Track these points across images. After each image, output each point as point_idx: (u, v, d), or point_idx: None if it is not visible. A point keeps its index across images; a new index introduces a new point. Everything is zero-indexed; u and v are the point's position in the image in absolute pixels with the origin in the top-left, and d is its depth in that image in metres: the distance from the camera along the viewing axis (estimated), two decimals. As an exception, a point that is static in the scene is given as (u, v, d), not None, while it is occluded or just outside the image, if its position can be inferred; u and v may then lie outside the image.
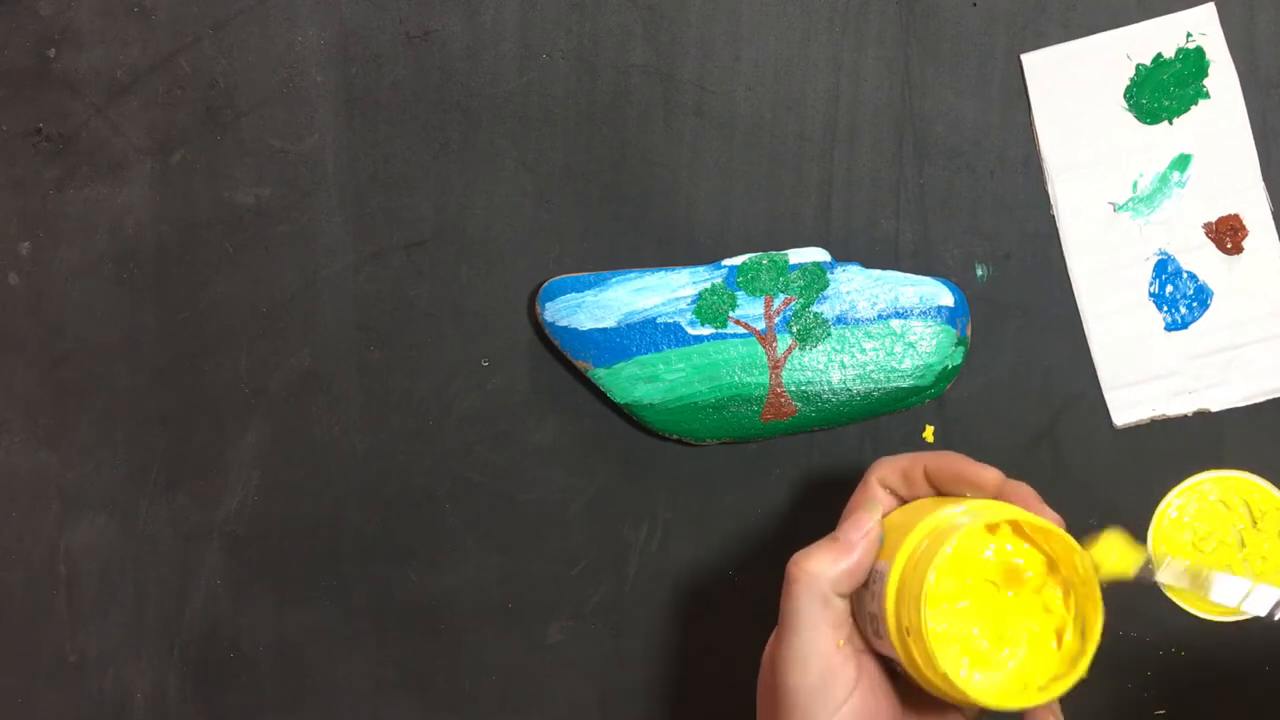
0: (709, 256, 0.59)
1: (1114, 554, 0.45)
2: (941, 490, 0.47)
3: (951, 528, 0.44)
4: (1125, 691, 0.60)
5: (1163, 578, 0.47)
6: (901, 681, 0.47)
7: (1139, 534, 0.59)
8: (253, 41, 0.60)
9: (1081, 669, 0.44)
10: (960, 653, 0.45)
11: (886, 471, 0.48)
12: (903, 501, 0.48)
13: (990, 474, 0.46)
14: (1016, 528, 0.45)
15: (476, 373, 0.60)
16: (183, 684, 0.61)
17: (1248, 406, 0.58)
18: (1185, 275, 0.58)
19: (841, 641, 0.45)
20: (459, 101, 0.59)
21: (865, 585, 0.46)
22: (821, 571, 0.45)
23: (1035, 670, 0.45)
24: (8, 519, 0.61)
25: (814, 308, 0.57)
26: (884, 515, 0.48)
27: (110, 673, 0.61)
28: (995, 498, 0.46)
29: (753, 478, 0.60)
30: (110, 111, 0.60)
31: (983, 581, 0.46)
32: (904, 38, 0.58)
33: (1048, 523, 0.45)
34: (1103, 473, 0.59)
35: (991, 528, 0.45)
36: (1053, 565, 0.45)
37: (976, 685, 0.45)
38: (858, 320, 0.57)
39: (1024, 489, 0.46)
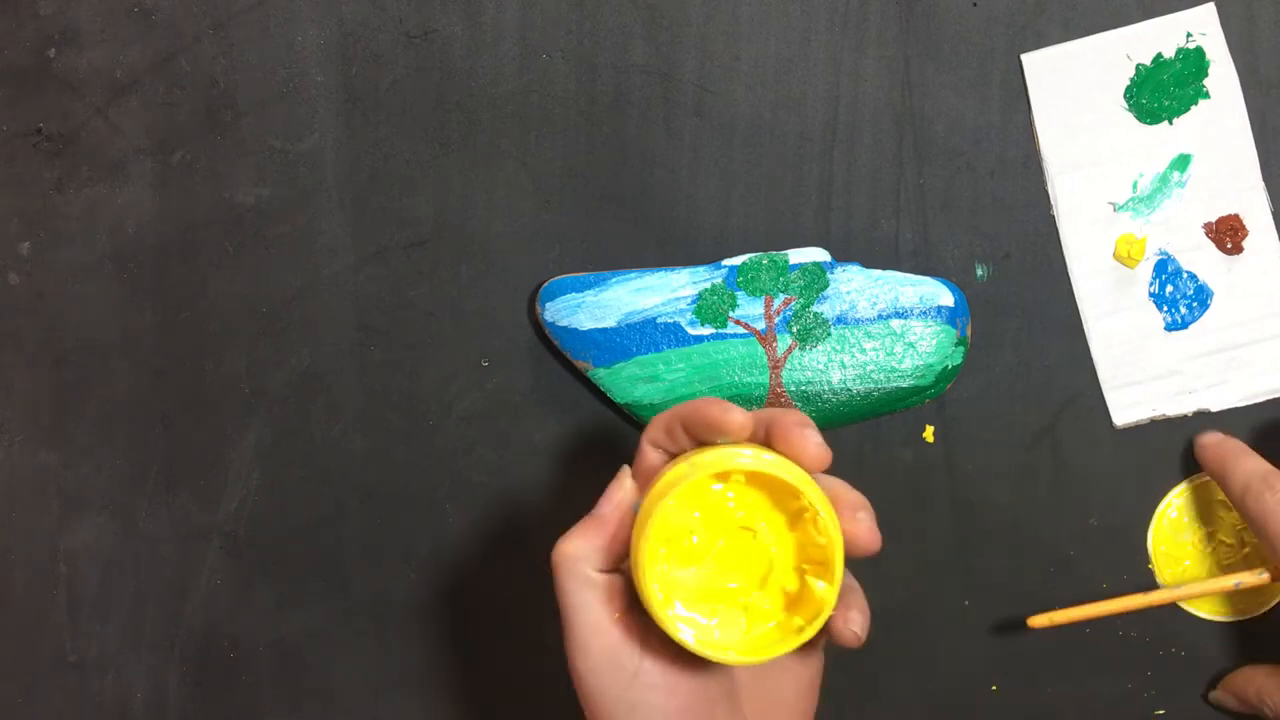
0: (709, 256, 0.59)
1: None
2: (700, 440, 0.46)
3: (662, 494, 0.43)
4: (1125, 691, 0.60)
5: None
6: None
7: (1139, 534, 0.59)
8: (253, 41, 0.60)
9: (827, 609, 0.43)
10: (733, 608, 0.44)
11: (654, 430, 0.47)
12: (672, 457, 0.47)
13: (735, 418, 0.44)
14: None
15: (476, 373, 0.60)
16: (183, 684, 0.61)
17: (1248, 406, 0.58)
18: (1185, 275, 0.58)
19: (617, 615, 0.45)
20: (459, 101, 0.59)
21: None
22: (578, 552, 0.45)
23: (800, 612, 0.44)
24: (8, 519, 0.61)
25: (814, 308, 0.57)
26: (655, 476, 0.46)
27: (110, 673, 0.61)
28: (753, 438, 0.45)
29: (753, 478, 0.60)
30: (110, 111, 0.60)
31: (737, 530, 0.44)
32: (904, 38, 0.58)
33: (762, 469, 0.43)
34: (1103, 473, 0.59)
35: (724, 477, 0.44)
36: (799, 502, 0.44)
37: (715, 643, 0.43)
38: (858, 320, 0.57)
39: (788, 418, 0.44)
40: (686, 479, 0.43)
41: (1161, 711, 0.60)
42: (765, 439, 0.45)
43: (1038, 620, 0.56)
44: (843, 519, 0.43)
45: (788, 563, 0.44)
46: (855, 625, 0.44)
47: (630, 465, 0.48)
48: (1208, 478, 0.58)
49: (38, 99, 0.60)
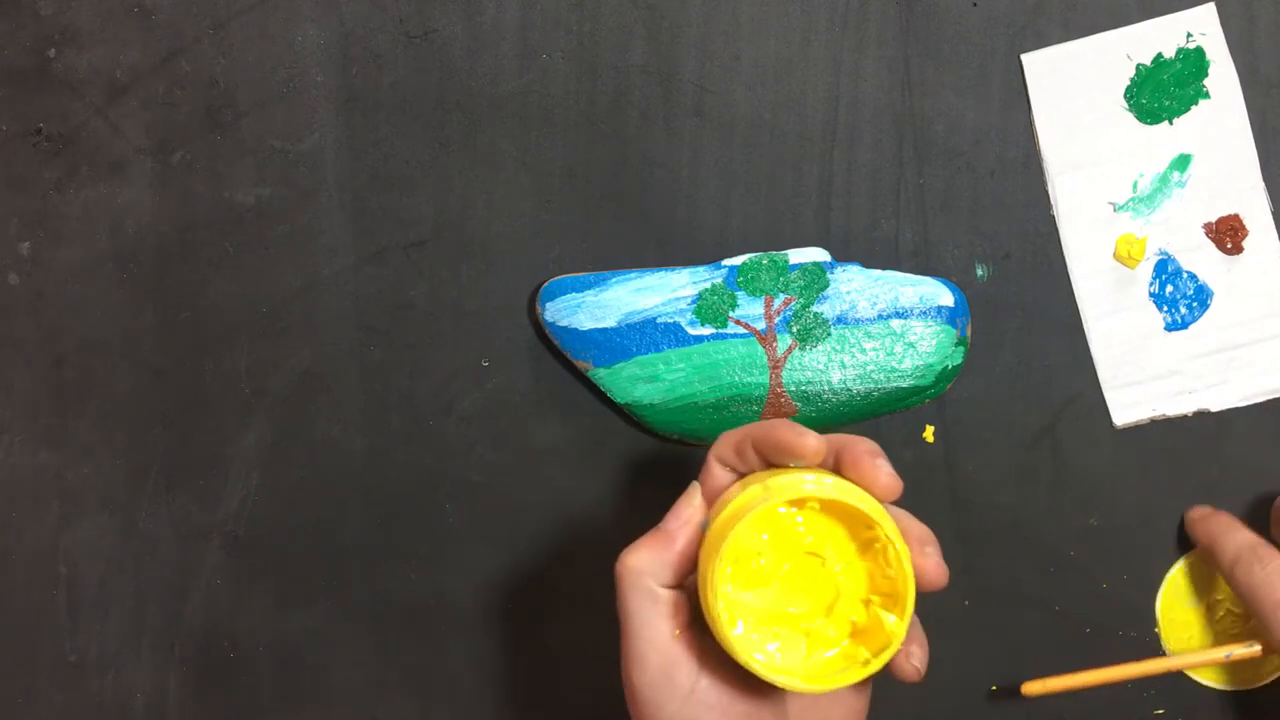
0: (709, 256, 0.59)
1: None
2: (770, 462, 0.46)
3: (738, 514, 0.43)
4: (1125, 691, 0.60)
5: None
6: None
7: (1140, 534, 0.59)
8: (253, 41, 0.60)
9: (896, 643, 0.43)
10: (795, 633, 0.44)
11: (723, 448, 0.47)
12: (741, 476, 0.47)
13: (808, 443, 0.44)
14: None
15: (476, 373, 0.60)
16: (183, 684, 0.61)
17: (1248, 406, 0.58)
18: (1185, 275, 0.58)
19: (677, 631, 0.45)
20: (459, 101, 0.59)
21: (696, 571, 0.45)
22: (643, 566, 0.45)
23: (866, 643, 0.44)
24: (8, 519, 0.61)
25: (814, 308, 0.57)
26: (722, 494, 0.46)
27: (110, 673, 0.61)
28: (824, 463, 0.45)
29: (753, 478, 0.60)
30: (110, 111, 0.60)
31: (804, 556, 0.44)
32: (904, 38, 0.58)
33: (840, 497, 0.42)
34: (1103, 473, 0.59)
35: (799, 502, 0.43)
36: (870, 531, 0.44)
37: (781, 668, 0.43)
38: (858, 320, 0.57)
39: (859, 446, 0.44)
40: (762, 503, 0.42)
41: (1161, 711, 0.60)
42: (835, 465, 0.45)
43: (1031, 688, 0.55)
44: (911, 552, 0.43)
45: (855, 592, 0.44)
46: (916, 660, 0.44)
47: (696, 481, 0.47)
48: None
49: (38, 99, 0.60)
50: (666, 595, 0.45)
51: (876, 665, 0.43)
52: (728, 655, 0.43)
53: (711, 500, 0.46)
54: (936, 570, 0.44)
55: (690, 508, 0.46)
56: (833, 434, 0.45)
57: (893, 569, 0.43)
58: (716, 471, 0.47)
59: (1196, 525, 0.57)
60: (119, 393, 0.61)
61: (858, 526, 0.44)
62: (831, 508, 0.43)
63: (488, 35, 0.59)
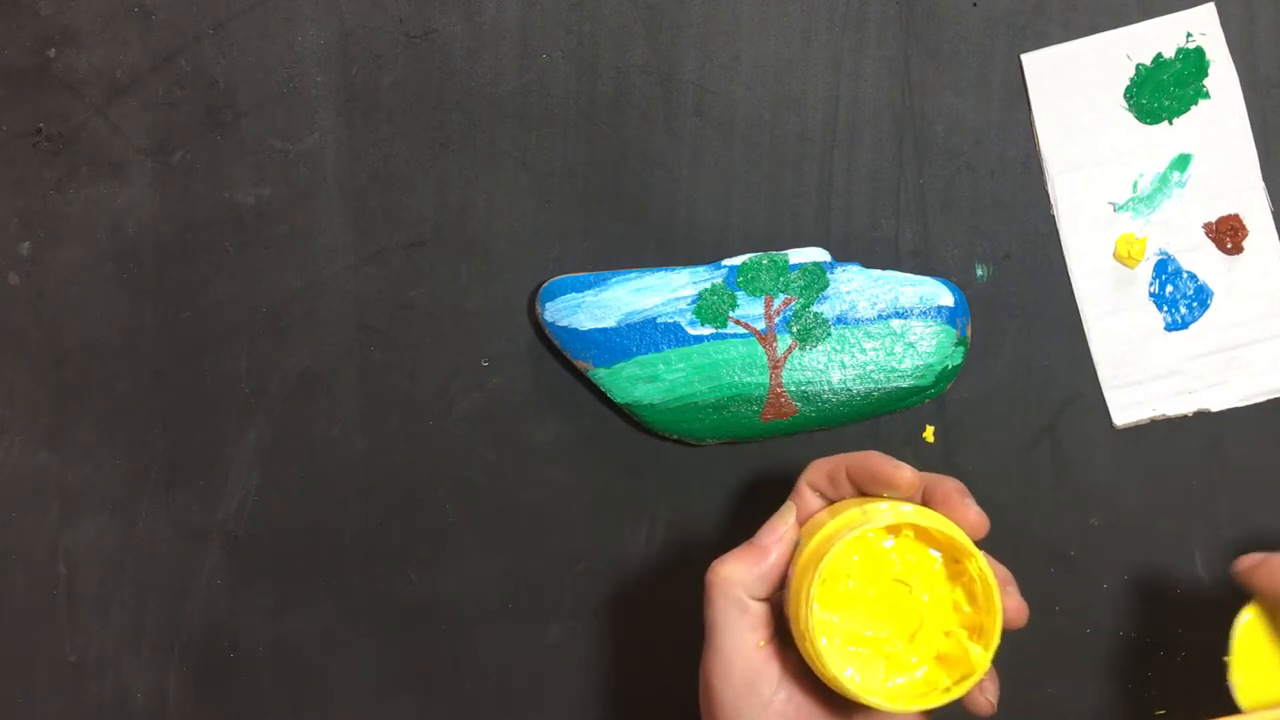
0: (709, 256, 0.59)
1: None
2: (863, 491, 0.48)
3: (836, 535, 0.45)
4: (1125, 691, 0.60)
5: None
6: None
7: (1141, 535, 0.59)
8: (253, 41, 0.60)
9: (979, 674, 0.44)
10: (874, 655, 0.46)
11: (815, 474, 0.49)
12: (830, 503, 0.49)
13: (904, 475, 0.46)
14: (923, 529, 0.46)
15: (476, 373, 0.60)
16: (183, 684, 0.61)
17: (1248, 406, 0.58)
18: (1185, 275, 0.58)
19: (762, 642, 0.46)
20: (459, 101, 0.59)
21: (784, 587, 0.47)
22: (735, 576, 0.47)
23: (945, 670, 0.46)
24: (8, 519, 0.61)
25: (814, 308, 0.57)
26: (812, 517, 0.48)
27: (110, 673, 0.61)
28: (914, 496, 0.47)
29: (753, 478, 0.60)
30: (110, 111, 0.60)
31: (892, 582, 0.46)
32: (904, 38, 0.58)
33: (941, 528, 0.45)
34: (1103, 473, 0.59)
35: (893, 530, 0.46)
36: (958, 565, 0.46)
37: (869, 688, 0.45)
38: (858, 320, 0.57)
39: (948, 484, 0.47)
40: (862, 526, 0.44)
41: (1162, 711, 0.60)
42: (922, 500, 0.47)
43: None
44: None
45: (938, 621, 0.46)
46: (990, 694, 0.46)
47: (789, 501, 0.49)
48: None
49: (38, 99, 0.60)
50: (756, 607, 0.47)
51: (958, 692, 0.45)
52: (807, 670, 0.46)
53: (801, 523, 0.48)
54: (1018, 608, 0.46)
55: (785, 525, 0.48)
56: (921, 472, 0.47)
57: (980, 602, 0.45)
58: (807, 496, 0.49)
59: (1256, 575, 0.51)
60: (119, 393, 0.61)
61: (946, 558, 0.46)
62: (925, 537, 0.46)
63: (488, 35, 0.59)
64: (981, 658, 0.44)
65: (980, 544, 0.46)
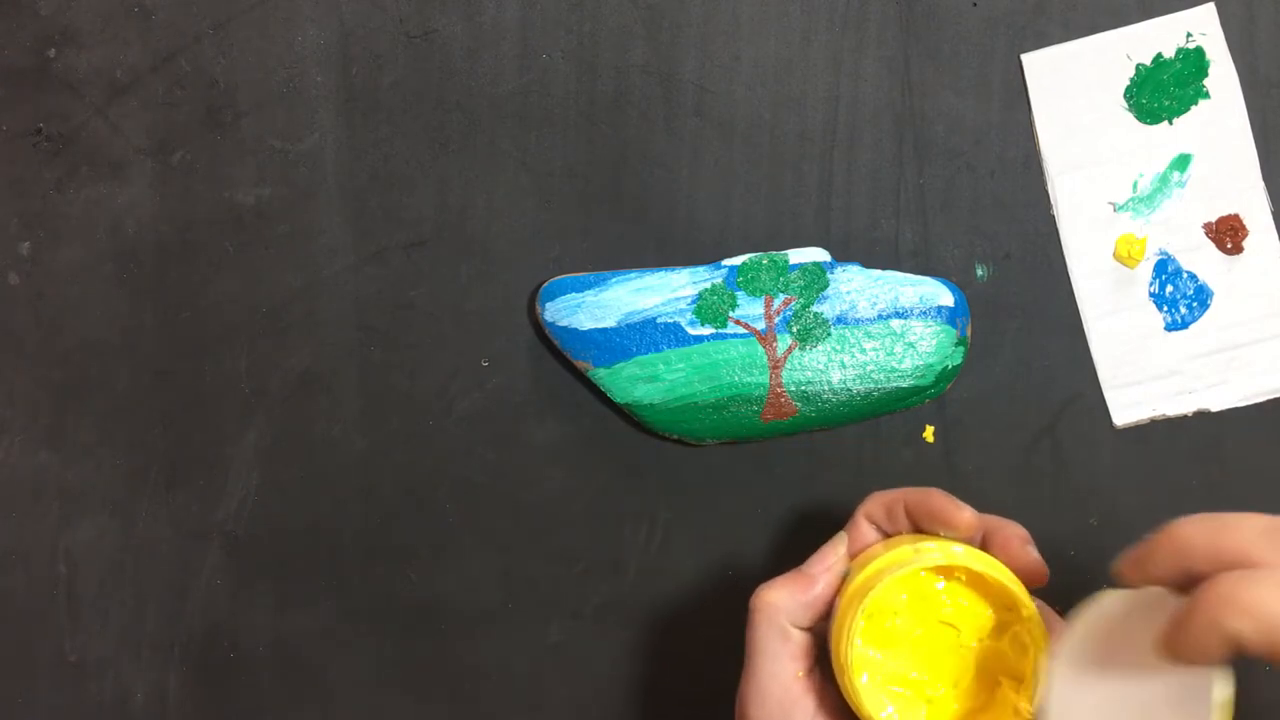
0: (709, 256, 0.59)
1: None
2: (920, 528, 0.47)
3: (886, 570, 0.44)
4: (1125, 691, 0.60)
5: None
6: None
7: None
8: (253, 41, 0.60)
9: None
10: (917, 698, 0.45)
11: (873, 506, 0.48)
12: (886, 537, 0.48)
13: (964, 516, 0.45)
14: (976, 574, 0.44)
15: (476, 373, 0.60)
16: (183, 684, 0.61)
17: (1248, 406, 0.58)
18: (1185, 275, 0.58)
19: (801, 673, 0.46)
20: (459, 101, 0.59)
21: (829, 618, 0.46)
22: (781, 603, 0.46)
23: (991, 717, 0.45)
24: (8, 519, 0.61)
25: (814, 308, 0.57)
26: (865, 549, 0.48)
27: (110, 673, 0.61)
28: (973, 538, 0.46)
29: (753, 478, 0.60)
30: (110, 111, 0.60)
31: (938, 624, 0.45)
32: (904, 38, 0.58)
33: (993, 573, 0.43)
34: (1103, 473, 0.59)
35: (946, 571, 0.45)
36: (1010, 613, 0.45)
37: None
38: (858, 320, 0.57)
39: (1010, 529, 0.46)
40: (913, 563, 0.43)
41: (1161, 711, 0.60)
42: (982, 543, 0.46)
43: None
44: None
45: (986, 668, 0.45)
46: None
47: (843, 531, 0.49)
48: None
49: (38, 99, 0.60)
50: (799, 635, 0.46)
51: None
52: (845, 708, 0.45)
53: (854, 554, 0.48)
54: (1036, 564, 0.45)
55: (835, 555, 0.47)
56: (984, 514, 0.46)
57: (1033, 654, 0.43)
58: (864, 527, 0.48)
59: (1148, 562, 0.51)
60: (119, 393, 0.61)
61: (998, 605, 0.45)
62: (978, 582, 0.44)
63: (488, 35, 0.59)
64: (1027, 711, 0.43)
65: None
